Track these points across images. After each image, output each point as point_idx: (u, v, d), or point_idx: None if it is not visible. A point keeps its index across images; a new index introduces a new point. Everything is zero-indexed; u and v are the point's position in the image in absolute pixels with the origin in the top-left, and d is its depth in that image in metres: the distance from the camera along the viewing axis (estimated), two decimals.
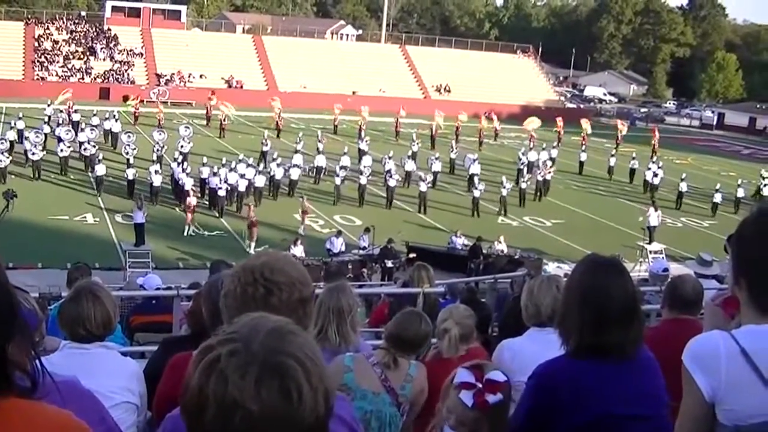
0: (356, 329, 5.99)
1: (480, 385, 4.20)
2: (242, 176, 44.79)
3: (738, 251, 3.31)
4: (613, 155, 63.85)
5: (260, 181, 45.90)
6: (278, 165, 48.01)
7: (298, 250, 33.04)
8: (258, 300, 3.22)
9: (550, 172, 54.26)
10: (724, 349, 3.14)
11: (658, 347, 4.57)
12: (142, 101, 75.55)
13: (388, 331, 5.91)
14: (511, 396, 4.39)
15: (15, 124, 55.03)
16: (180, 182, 44.09)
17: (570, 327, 4.20)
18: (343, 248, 36.04)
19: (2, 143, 47.55)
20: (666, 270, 16.35)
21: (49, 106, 62.97)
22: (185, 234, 39.21)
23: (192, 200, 40.33)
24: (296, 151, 52.97)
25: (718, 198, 52.41)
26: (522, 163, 56.17)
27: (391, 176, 47.64)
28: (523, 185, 49.66)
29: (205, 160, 46.96)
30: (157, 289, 14.66)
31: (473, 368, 4.33)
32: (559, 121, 75.68)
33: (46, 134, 54.42)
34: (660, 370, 4.33)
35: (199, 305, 5.95)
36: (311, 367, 2.00)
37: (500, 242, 37.75)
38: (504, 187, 47.43)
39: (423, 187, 46.61)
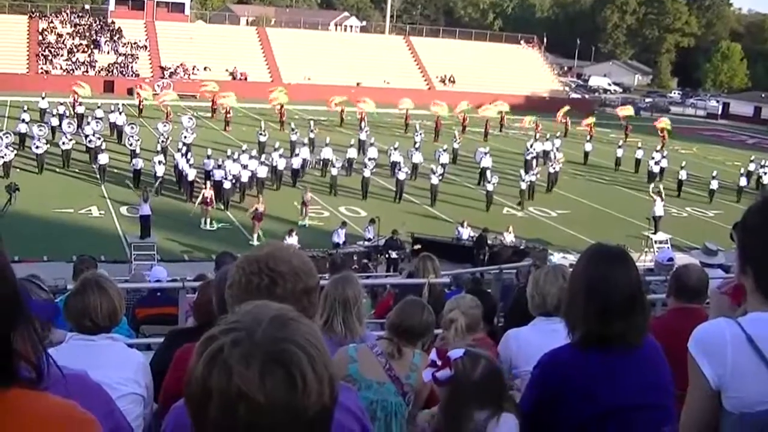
0: (362, 320, 5.98)
1: (439, 363, 4.23)
2: (245, 167, 44.87)
3: (744, 239, 3.31)
4: (620, 146, 63.78)
5: (262, 172, 45.94)
6: (280, 156, 48.01)
7: (293, 241, 32.92)
8: (262, 290, 3.24)
9: (560, 163, 54.24)
10: (729, 336, 3.14)
11: (663, 336, 4.57)
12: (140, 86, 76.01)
13: (390, 320, 5.90)
14: (516, 385, 4.40)
15: (23, 117, 55.04)
16: (183, 173, 44.22)
17: (575, 316, 4.20)
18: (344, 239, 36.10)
19: (6, 137, 47.47)
20: (671, 259, 16.38)
21: (43, 99, 63.14)
22: (213, 228, 39.38)
23: (207, 193, 40.34)
24: (304, 144, 53.21)
25: (714, 185, 53.06)
26: (529, 153, 56.23)
27: (399, 169, 47.59)
28: (533, 177, 49.40)
29: (209, 152, 46.97)
30: (158, 281, 14.70)
31: (439, 349, 4.36)
32: (563, 112, 75.99)
33: (53, 127, 54.55)
34: (665, 359, 4.33)
35: (205, 297, 5.96)
36: (315, 354, 1.99)
37: (509, 233, 37.71)
38: (522, 180, 47.40)
39: (434, 179, 46.54)
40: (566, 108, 77.73)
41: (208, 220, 39.67)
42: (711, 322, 3.38)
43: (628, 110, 77.20)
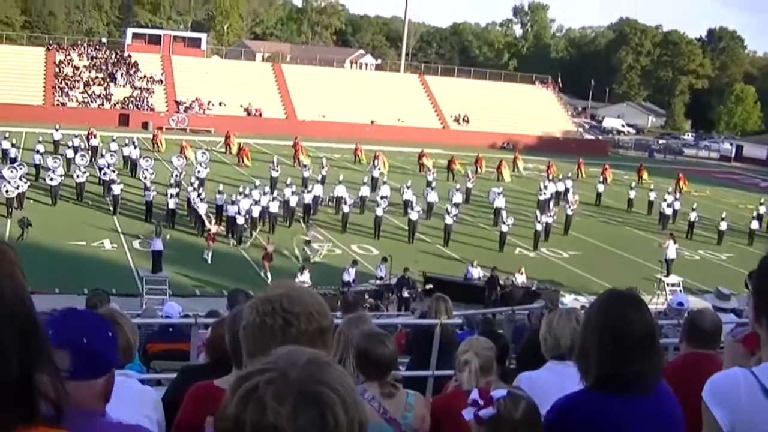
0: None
1: (482, 402, 4.23)
2: (256, 202, 44.92)
3: (759, 289, 3.31)
4: (633, 188, 63.66)
5: (274, 207, 46.08)
6: (293, 192, 48.10)
7: (305, 278, 32.89)
8: (277, 331, 3.25)
9: (575, 204, 54.09)
10: (744, 386, 3.14)
11: (676, 381, 4.57)
12: (159, 128, 76.65)
13: (358, 360, 5.78)
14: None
15: (38, 149, 55.35)
16: (194, 207, 44.31)
17: (589, 360, 4.21)
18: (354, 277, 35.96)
19: (21, 168, 47.64)
20: (683, 304, 16.33)
21: (57, 130, 63.61)
22: (209, 261, 39.32)
23: (214, 228, 40.45)
24: (317, 181, 53.44)
25: (723, 226, 53.06)
26: (543, 194, 56.13)
27: (412, 208, 47.62)
28: (550, 219, 49.24)
29: (221, 187, 47.12)
30: (167, 317, 14.71)
31: (480, 389, 4.36)
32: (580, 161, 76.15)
33: (69, 159, 54.73)
34: (679, 404, 4.33)
35: (218, 335, 5.96)
36: (347, 397, 2.01)
37: (521, 274, 37.56)
38: (538, 221, 47.30)
39: (448, 219, 46.42)
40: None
41: (209, 254, 39.71)
42: (726, 371, 3.38)
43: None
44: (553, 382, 5.18)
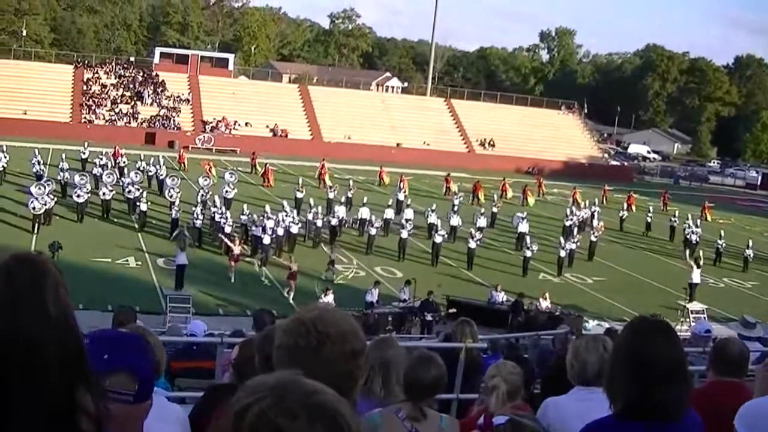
0: (401, 383, 5.96)
1: (484, 428, 4.25)
2: (280, 223, 44.87)
3: None
4: (650, 213, 63.55)
5: (296, 228, 46.16)
6: (317, 213, 48.10)
7: (329, 300, 32.75)
8: (310, 352, 3.25)
9: (600, 231, 53.93)
10: None
11: (704, 408, 4.56)
12: (185, 147, 77.04)
13: (405, 382, 5.78)
14: None
15: (62, 166, 55.54)
16: (220, 226, 44.34)
17: (618, 387, 4.21)
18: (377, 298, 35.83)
19: (48, 185, 47.77)
20: (708, 332, 16.25)
21: (85, 148, 64.00)
22: (233, 281, 39.30)
23: (237, 249, 40.42)
24: (341, 202, 53.46)
25: (749, 254, 52.99)
26: (569, 220, 55.98)
27: (436, 231, 47.48)
28: (573, 245, 49.01)
29: (245, 207, 47.15)
30: (192, 335, 14.76)
31: (487, 415, 4.38)
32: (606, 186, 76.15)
33: (97, 176, 54.89)
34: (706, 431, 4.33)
35: (245, 355, 5.97)
36: (343, 401, 2.06)
37: (545, 299, 37.40)
38: (562, 248, 47.13)
39: (472, 243, 46.26)
40: None
41: (233, 274, 39.71)
42: (758, 399, 3.40)
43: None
44: (579, 408, 5.19)
